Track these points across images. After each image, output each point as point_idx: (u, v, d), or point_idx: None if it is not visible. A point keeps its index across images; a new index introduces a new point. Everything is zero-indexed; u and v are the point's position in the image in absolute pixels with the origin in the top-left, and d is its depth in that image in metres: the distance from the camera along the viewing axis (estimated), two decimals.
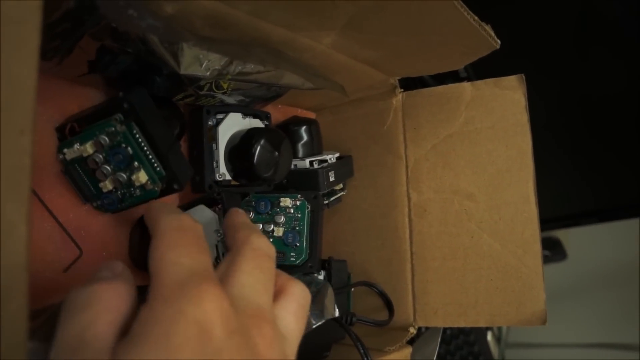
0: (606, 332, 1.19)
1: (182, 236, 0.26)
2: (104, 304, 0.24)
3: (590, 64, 0.81)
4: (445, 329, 0.82)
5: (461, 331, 0.86)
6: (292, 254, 0.49)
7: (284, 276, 0.30)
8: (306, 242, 0.49)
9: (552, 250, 1.13)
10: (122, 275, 0.26)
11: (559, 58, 0.81)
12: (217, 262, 0.44)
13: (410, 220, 0.55)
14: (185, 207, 0.47)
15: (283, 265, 0.49)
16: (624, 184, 0.87)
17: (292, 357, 0.27)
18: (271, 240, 0.50)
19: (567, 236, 1.18)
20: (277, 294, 0.29)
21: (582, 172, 0.90)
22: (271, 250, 0.29)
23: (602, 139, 0.86)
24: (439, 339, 0.54)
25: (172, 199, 0.48)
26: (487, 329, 0.98)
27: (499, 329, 1.03)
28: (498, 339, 1.02)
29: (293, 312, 0.28)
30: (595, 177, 0.90)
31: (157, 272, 0.24)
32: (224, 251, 0.44)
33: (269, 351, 0.25)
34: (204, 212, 0.45)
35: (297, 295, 0.29)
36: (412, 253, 0.54)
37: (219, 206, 0.46)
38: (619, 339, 1.15)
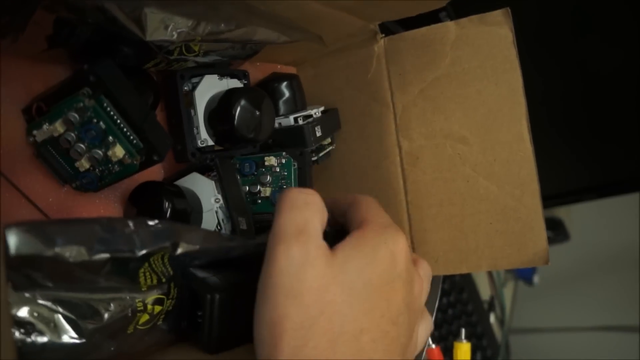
0: (611, 314, 1.19)
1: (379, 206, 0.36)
2: (318, 206, 0.32)
3: (587, 39, 0.79)
4: (447, 308, 0.82)
5: (464, 312, 0.85)
6: None
7: (415, 255, 0.39)
8: None
9: (555, 231, 1.11)
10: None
11: (554, 36, 0.79)
12: (217, 228, 0.43)
13: (403, 169, 0.53)
14: (177, 176, 0.46)
15: None
16: (623, 159, 0.86)
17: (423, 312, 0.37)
18: (259, 201, 0.48)
19: (569, 217, 1.17)
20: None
21: (581, 147, 0.89)
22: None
23: (601, 113, 0.84)
24: (439, 290, 0.54)
25: (155, 170, 0.46)
26: (490, 310, 0.97)
27: (502, 311, 1.02)
28: (501, 321, 1.01)
29: (424, 277, 0.37)
30: (594, 152, 0.88)
31: (369, 216, 0.34)
32: (223, 217, 0.44)
33: (419, 296, 0.36)
34: (198, 180, 0.44)
35: (426, 268, 0.38)
36: (407, 202, 0.53)
37: (213, 173, 0.45)
38: (624, 321, 1.16)
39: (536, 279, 1.13)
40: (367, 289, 0.30)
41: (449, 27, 0.50)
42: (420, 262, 0.38)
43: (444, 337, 0.79)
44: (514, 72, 0.48)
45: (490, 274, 1.00)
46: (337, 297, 0.29)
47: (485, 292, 0.97)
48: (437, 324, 0.79)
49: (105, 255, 0.30)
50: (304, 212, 0.31)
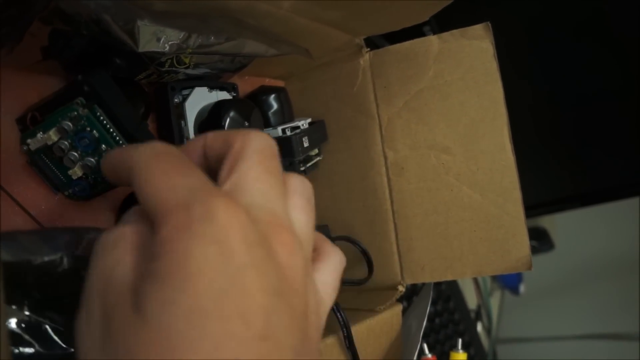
0: (597, 322, 1.20)
1: (162, 160, 0.23)
2: (129, 243, 0.22)
3: (567, 51, 0.81)
4: (433, 318, 0.83)
5: (450, 320, 0.86)
6: None
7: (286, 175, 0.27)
8: None
9: (540, 241, 1.12)
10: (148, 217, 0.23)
11: (535, 47, 0.81)
12: None
13: (388, 179, 0.55)
14: None
15: None
16: (605, 167, 0.87)
17: (309, 258, 0.26)
18: None
19: (554, 226, 1.18)
20: None
21: (563, 156, 0.90)
22: (275, 146, 0.26)
23: (583, 123, 0.85)
24: (430, 297, 0.54)
25: None
26: (477, 319, 0.98)
27: (489, 321, 1.03)
28: (488, 330, 1.02)
29: (301, 208, 0.26)
30: (576, 161, 0.90)
31: (155, 206, 0.22)
32: None
33: (291, 259, 0.23)
34: None
35: (300, 189, 0.27)
36: (393, 212, 0.54)
37: None
38: (610, 329, 1.17)
39: (522, 288, 1.14)
40: (207, 317, 0.19)
41: (432, 41, 0.52)
42: (290, 182, 0.26)
43: (431, 346, 0.80)
44: (495, 84, 0.50)
45: (476, 283, 1.01)
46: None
47: (472, 301, 0.98)
48: (424, 333, 0.80)
49: None
50: (108, 257, 0.22)
